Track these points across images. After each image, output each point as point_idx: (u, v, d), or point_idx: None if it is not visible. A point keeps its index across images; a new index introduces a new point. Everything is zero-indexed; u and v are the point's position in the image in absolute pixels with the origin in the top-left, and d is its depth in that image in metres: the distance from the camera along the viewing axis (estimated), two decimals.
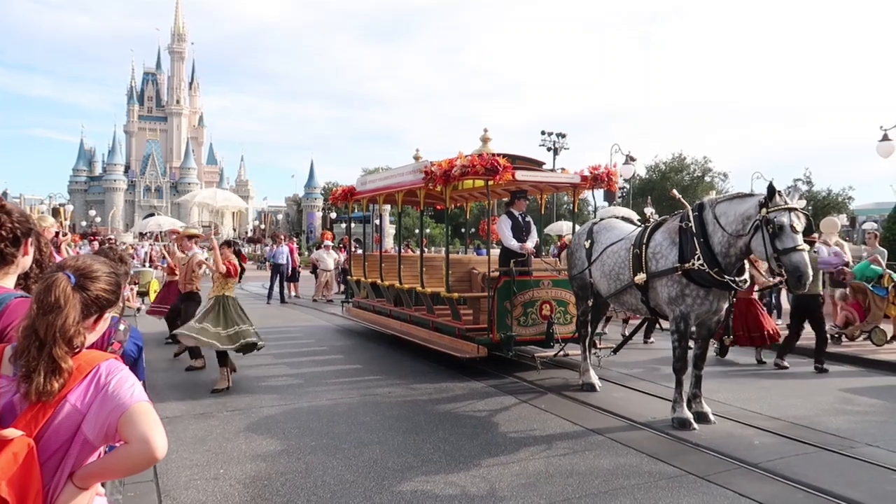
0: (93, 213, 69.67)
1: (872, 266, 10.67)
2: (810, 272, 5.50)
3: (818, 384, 8.17)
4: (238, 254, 8.25)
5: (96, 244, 16.29)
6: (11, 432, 1.70)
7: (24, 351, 1.77)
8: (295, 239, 28.24)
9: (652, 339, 11.24)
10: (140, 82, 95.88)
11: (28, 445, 1.71)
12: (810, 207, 41.73)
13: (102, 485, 2.02)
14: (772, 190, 5.66)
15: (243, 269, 8.15)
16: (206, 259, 9.43)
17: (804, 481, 4.73)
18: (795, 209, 5.62)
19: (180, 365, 8.97)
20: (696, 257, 6.04)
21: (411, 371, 8.77)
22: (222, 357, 7.66)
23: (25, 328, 1.80)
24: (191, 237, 10.03)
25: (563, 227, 17.76)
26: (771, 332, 9.32)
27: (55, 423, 1.78)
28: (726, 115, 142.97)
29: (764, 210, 5.62)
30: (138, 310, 15.26)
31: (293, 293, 20.30)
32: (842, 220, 30.77)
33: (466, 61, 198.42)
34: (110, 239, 26.69)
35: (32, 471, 1.71)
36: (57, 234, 6.45)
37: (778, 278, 6.02)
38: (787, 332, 9.43)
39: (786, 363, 9.03)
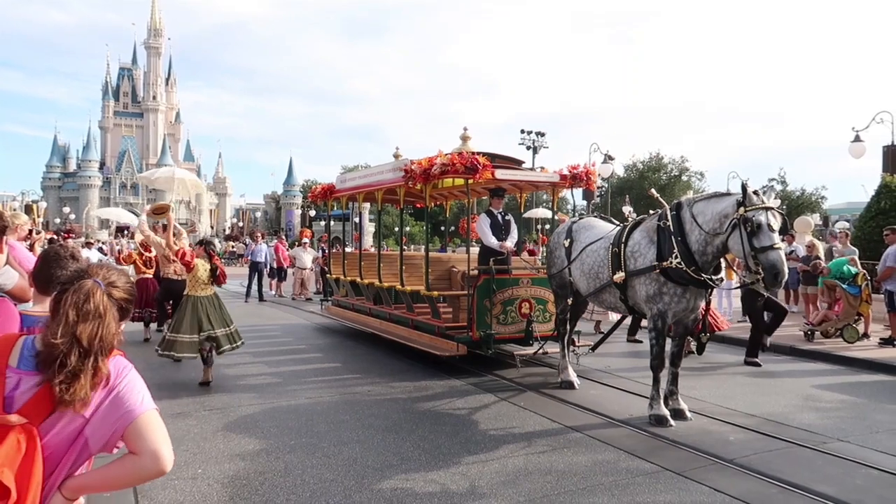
0: (67, 209, 68.45)
1: (848, 266, 10.82)
2: (786, 270, 5.60)
3: (792, 382, 8.31)
4: (210, 254, 7.89)
5: (70, 242, 15.97)
6: (17, 418, 1.65)
7: (65, 358, 1.70)
8: (284, 238, 28.04)
9: (641, 339, 11.28)
10: (115, 77, 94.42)
11: (32, 434, 1.66)
12: (784, 207, 42.34)
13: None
14: (744, 189, 5.75)
15: (214, 270, 7.75)
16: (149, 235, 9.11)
17: (778, 476, 4.81)
18: (772, 208, 5.71)
19: (157, 364, 8.83)
20: (673, 256, 6.11)
21: (391, 369, 8.75)
22: (205, 358, 7.71)
23: (64, 335, 1.71)
24: (157, 211, 9.16)
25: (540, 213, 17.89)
26: (717, 319, 10.04)
27: (57, 426, 1.72)
28: (703, 115, 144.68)
29: (741, 209, 5.70)
30: None
31: (274, 291, 20.22)
32: (815, 219, 31.27)
33: (445, 60, 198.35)
34: (67, 233, 26.04)
35: (35, 461, 1.66)
36: (30, 232, 6.31)
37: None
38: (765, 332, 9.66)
39: (758, 360, 9.27)
